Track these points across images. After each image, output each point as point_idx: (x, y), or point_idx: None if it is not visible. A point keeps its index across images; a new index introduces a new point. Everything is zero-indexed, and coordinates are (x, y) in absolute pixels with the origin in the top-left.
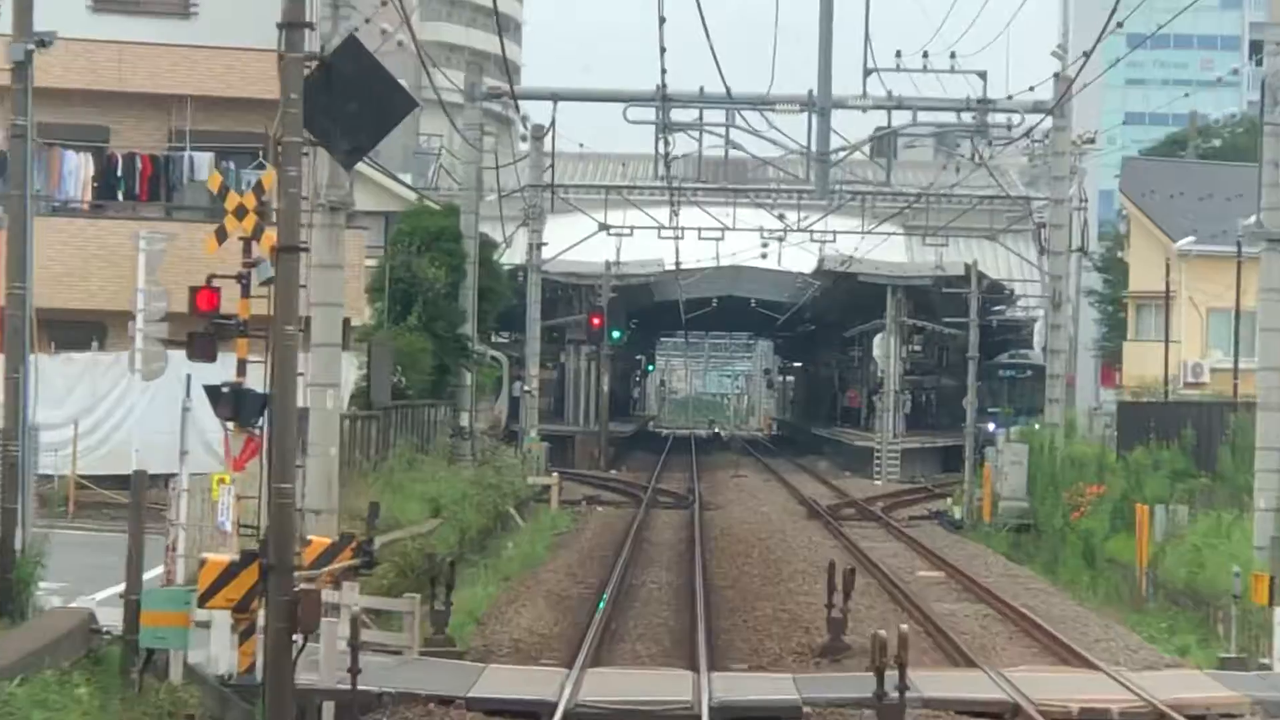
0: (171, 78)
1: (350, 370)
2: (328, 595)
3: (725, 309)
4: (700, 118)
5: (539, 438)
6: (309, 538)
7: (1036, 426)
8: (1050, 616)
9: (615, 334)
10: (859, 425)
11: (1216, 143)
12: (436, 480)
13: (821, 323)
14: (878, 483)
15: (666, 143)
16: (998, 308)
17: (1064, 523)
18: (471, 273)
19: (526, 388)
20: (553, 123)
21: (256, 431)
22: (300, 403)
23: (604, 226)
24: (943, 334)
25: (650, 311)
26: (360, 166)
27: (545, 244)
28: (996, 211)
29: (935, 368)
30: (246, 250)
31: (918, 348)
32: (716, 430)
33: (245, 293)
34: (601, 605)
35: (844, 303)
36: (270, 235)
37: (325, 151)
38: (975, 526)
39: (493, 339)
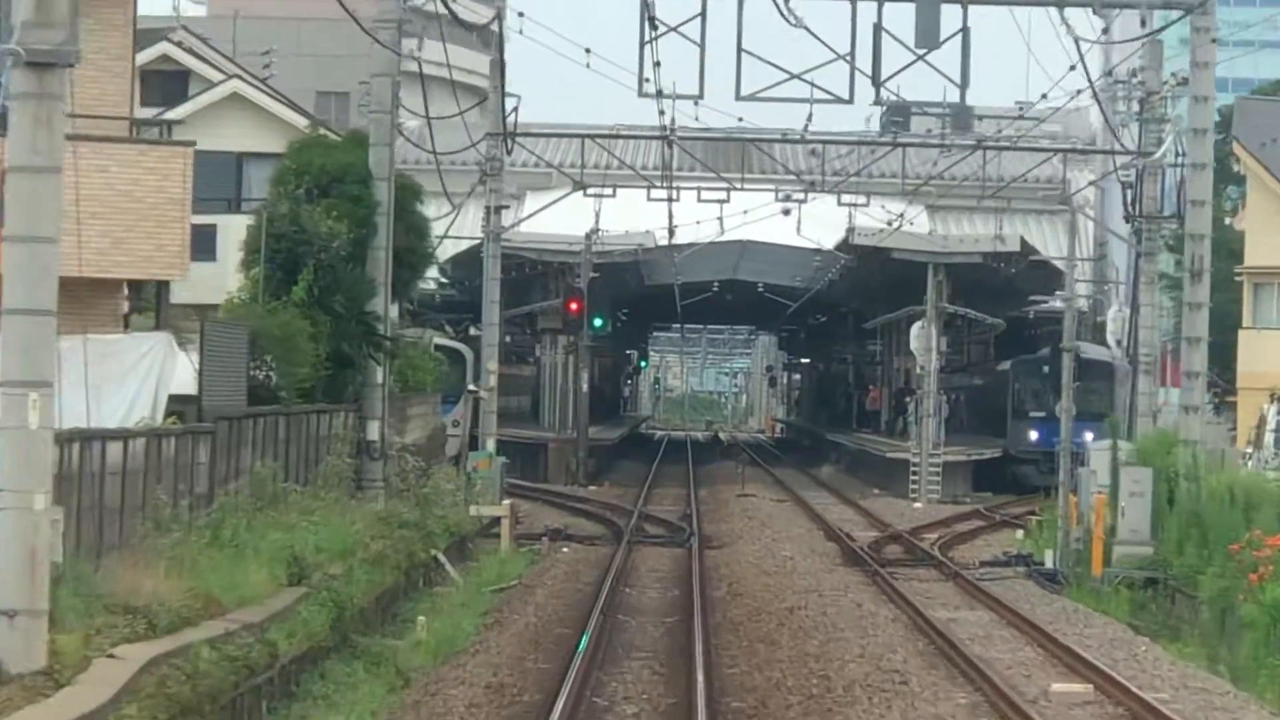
0: None
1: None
2: None
3: (726, 296)
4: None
5: (495, 451)
6: None
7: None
8: None
9: (597, 322)
10: (881, 430)
11: None
12: (312, 525)
13: (836, 312)
14: (917, 505)
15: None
16: (1036, 299)
17: (1234, 587)
18: (384, 227)
19: (472, 387)
20: (499, 16)
21: None
22: None
23: (580, 186)
24: (974, 326)
25: (640, 299)
26: (245, 89)
27: (506, 207)
28: (1029, 190)
29: (962, 365)
30: None
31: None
32: (715, 432)
33: None
34: None
35: (868, 287)
36: None
37: None
38: (1078, 580)
39: (470, 331)
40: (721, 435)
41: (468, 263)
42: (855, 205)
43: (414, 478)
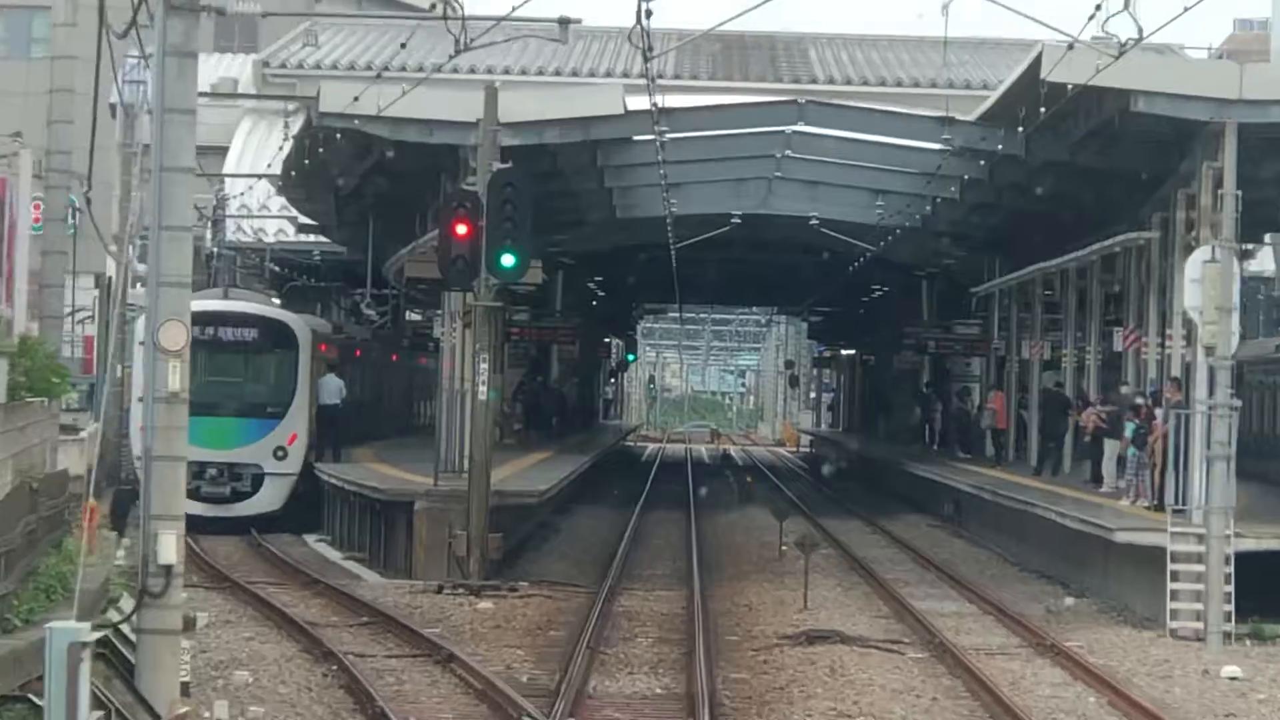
0: None
1: None
2: None
3: (749, 251)
4: None
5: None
6: None
7: None
8: None
9: (507, 260)
10: (1000, 458)
11: None
12: None
13: (912, 275)
14: (1233, 674)
15: None
16: None
17: None
18: None
19: None
20: None
21: None
22: None
23: None
24: None
25: (610, 256)
26: None
27: None
28: None
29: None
30: None
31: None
32: (725, 449)
33: None
34: None
35: (1012, 203)
36: None
37: None
38: None
39: (369, 310)
40: (729, 448)
41: (314, 174)
42: None
43: None
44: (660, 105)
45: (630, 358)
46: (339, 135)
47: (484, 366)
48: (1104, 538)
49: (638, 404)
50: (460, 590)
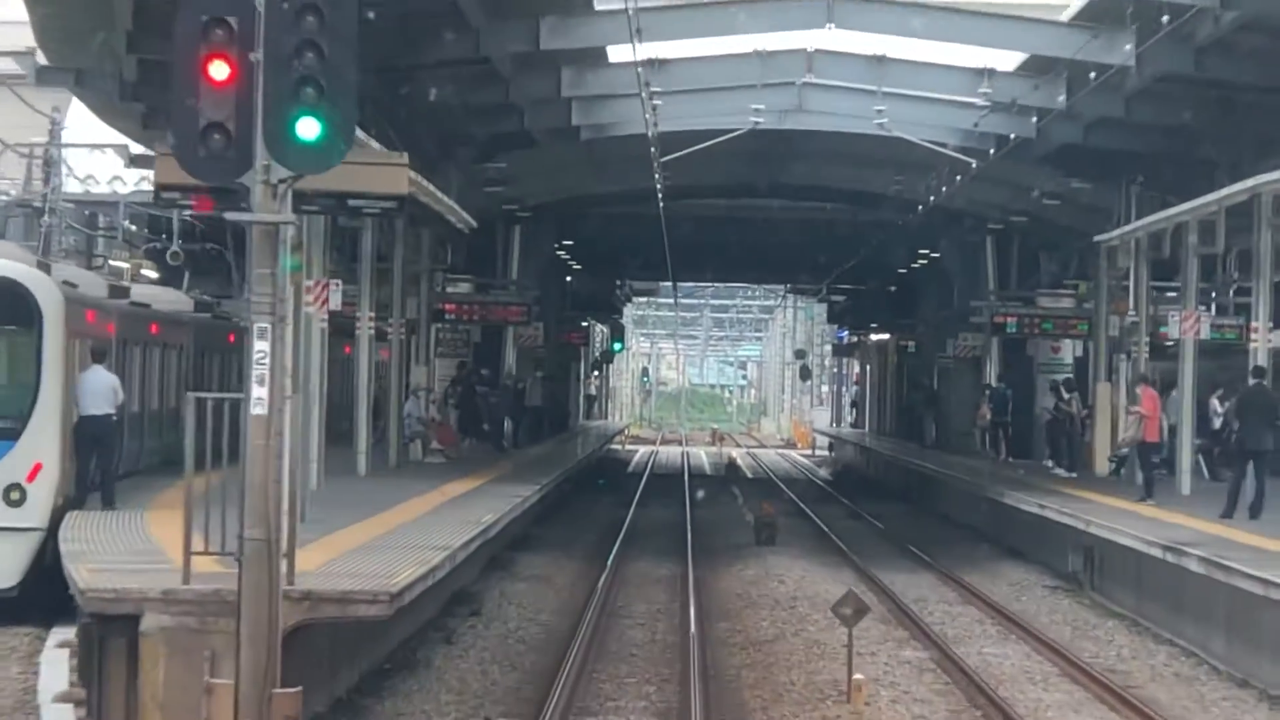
0: None
1: None
2: None
3: (764, 203)
4: None
5: None
6: None
7: None
8: None
9: (309, 128)
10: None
11: None
12: None
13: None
14: None
15: None
16: None
17: None
18: None
19: None
20: None
21: None
22: None
23: None
24: None
25: (581, 212)
26: None
27: None
28: None
29: None
30: None
31: None
32: (731, 456)
33: None
34: None
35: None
36: None
37: None
38: None
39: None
40: (733, 455)
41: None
42: None
43: None
44: None
45: (617, 346)
46: None
47: (262, 344)
48: None
49: (629, 399)
50: None
